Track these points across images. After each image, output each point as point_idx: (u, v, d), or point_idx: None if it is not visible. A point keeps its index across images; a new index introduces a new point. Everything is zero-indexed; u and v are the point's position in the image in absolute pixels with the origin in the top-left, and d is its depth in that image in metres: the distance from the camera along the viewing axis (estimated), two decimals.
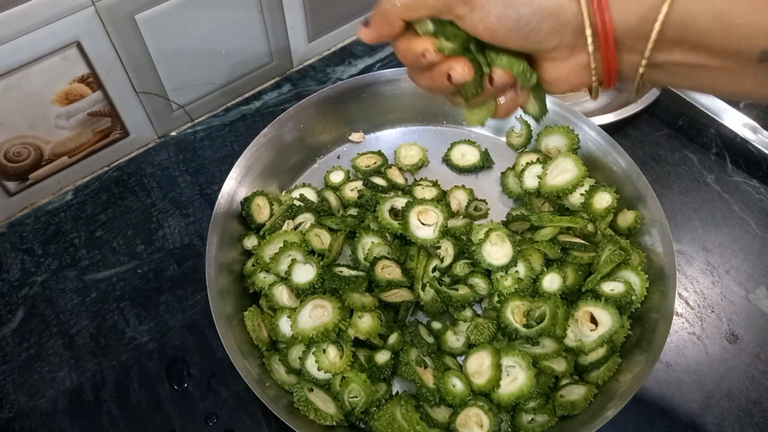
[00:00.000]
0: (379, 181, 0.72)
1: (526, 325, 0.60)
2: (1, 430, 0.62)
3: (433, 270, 0.65)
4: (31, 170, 0.75)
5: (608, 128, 0.77)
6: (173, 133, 0.85)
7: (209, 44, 0.79)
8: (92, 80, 0.72)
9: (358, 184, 0.73)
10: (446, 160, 0.78)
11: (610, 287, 0.61)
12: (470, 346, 0.62)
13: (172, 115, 0.83)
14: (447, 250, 0.66)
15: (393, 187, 0.72)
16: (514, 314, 0.61)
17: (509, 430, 0.58)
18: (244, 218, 0.69)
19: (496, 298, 0.63)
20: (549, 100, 0.73)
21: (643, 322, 0.62)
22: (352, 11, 0.92)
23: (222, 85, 0.85)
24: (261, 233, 0.68)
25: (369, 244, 0.64)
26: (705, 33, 0.35)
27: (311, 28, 0.88)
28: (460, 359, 0.62)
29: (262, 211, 0.69)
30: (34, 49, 0.65)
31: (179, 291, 0.71)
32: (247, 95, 0.89)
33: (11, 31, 0.62)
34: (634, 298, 0.61)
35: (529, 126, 0.76)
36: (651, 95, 0.82)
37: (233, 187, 0.68)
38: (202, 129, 0.85)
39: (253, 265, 0.66)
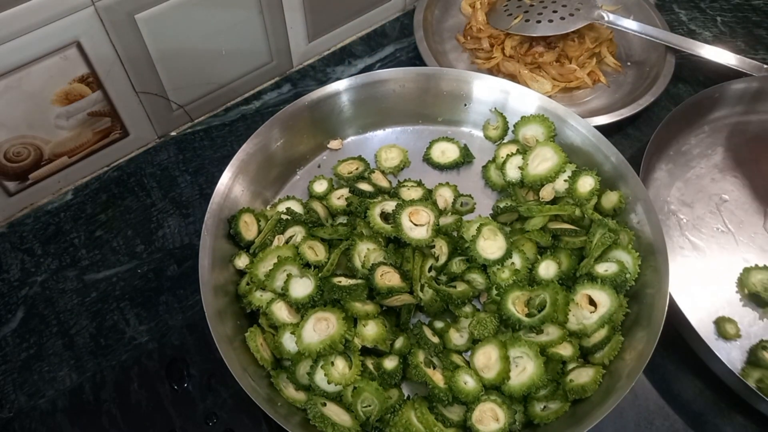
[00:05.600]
0: (365, 186, 0.72)
1: (529, 315, 0.60)
2: (1, 430, 0.62)
3: (430, 270, 0.65)
4: (31, 170, 0.75)
5: (608, 128, 0.78)
6: (173, 133, 0.85)
7: (209, 44, 0.79)
8: (92, 80, 0.72)
9: (344, 191, 0.72)
10: (427, 159, 0.78)
11: (604, 268, 0.62)
12: (474, 342, 0.62)
13: (172, 115, 0.83)
14: (441, 248, 0.66)
15: (379, 191, 0.72)
16: (515, 305, 0.61)
17: (524, 420, 0.59)
18: (232, 237, 0.68)
19: (495, 291, 0.63)
20: (536, 96, 0.74)
21: (639, 298, 0.62)
22: (352, 11, 0.92)
23: (222, 85, 0.85)
24: (251, 251, 0.67)
25: (365, 250, 0.64)
26: None
27: (311, 28, 0.88)
28: (466, 355, 0.62)
29: (249, 228, 0.68)
30: (34, 49, 0.65)
31: (179, 291, 0.71)
32: (246, 95, 0.89)
33: (11, 31, 0.62)
34: (628, 276, 0.61)
35: (504, 118, 0.77)
36: (651, 95, 0.82)
37: (219, 203, 0.67)
38: (202, 129, 0.85)
39: (247, 284, 0.64)
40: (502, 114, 0.77)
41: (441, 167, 0.77)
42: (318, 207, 0.71)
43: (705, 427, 0.63)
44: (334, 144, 0.78)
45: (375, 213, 0.66)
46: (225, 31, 0.79)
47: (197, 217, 0.76)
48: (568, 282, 0.64)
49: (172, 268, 0.73)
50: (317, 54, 0.93)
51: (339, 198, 0.72)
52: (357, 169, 0.75)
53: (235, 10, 0.77)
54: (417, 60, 0.89)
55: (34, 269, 0.73)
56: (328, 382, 0.57)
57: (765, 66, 0.83)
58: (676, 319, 0.63)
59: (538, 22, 0.86)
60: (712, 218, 0.76)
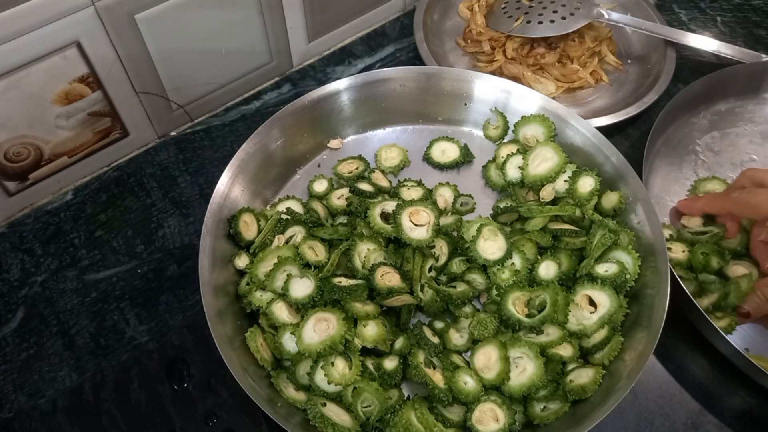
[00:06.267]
0: (365, 186, 0.71)
1: (529, 315, 0.60)
2: (1, 430, 0.62)
3: (430, 270, 0.65)
4: (31, 170, 0.75)
5: (609, 129, 0.78)
6: (173, 133, 0.85)
7: (209, 44, 0.79)
8: (92, 80, 0.72)
9: (344, 191, 0.72)
10: (427, 158, 0.78)
11: (604, 269, 0.62)
12: (474, 342, 0.62)
13: (172, 115, 0.83)
14: (441, 248, 0.66)
15: (379, 191, 0.72)
16: (515, 305, 0.61)
17: (524, 421, 0.59)
18: (232, 237, 0.67)
19: (495, 292, 0.63)
20: (537, 96, 0.74)
21: (639, 299, 0.62)
22: (352, 11, 0.92)
23: (222, 85, 0.85)
24: (251, 251, 0.67)
25: (365, 251, 0.64)
26: None
27: (311, 28, 0.88)
28: (466, 356, 0.62)
29: (249, 228, 0.67)
30: (34, 49, 0.65)
31: (179, 291, 0.71)
32: (246, 95, 0.89)
33: (11, 31, 0.62)
34: (628, 276, 0.61)
35: (505, 117, 0.77)
36: (654, 93, 0.82)
37: (219, 203, 0.67)
38: (201, 129, 0.85)
39: (247, 284, 0.64)
40: (502, 114, 0.77)
41: (441, 167, 0.77)
42: (318, 207, 0.71)
43: (706, 426, 0.62)
44: (334, 143, 0.78)
45: (375, 213, 0.66)
46: (225, 31, 0.79)
47: (197, 217, 0.76)
48: (568, 282, 0.64)
49: (172, 268, 0.73)
50: (317, 54, 0.93)
51: (339, 198, 0.72)
52: (357, 168, 0.75)
53: (235, 10, 0.77)
54: (417, 60, 0.89)
55: (34, 269, 0.73)
56: (328, 383, 0.57)
57: (764, 56, 0.84)
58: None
59: (539, 23, 0.86)
60: (730, 169, 0.79)
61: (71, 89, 0.71)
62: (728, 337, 0.60)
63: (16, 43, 0.63)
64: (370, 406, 0.57)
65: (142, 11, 0.70)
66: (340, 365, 0.58)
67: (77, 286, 0.71)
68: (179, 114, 0.84)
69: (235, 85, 0.86)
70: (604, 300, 0.60)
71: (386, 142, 0.79)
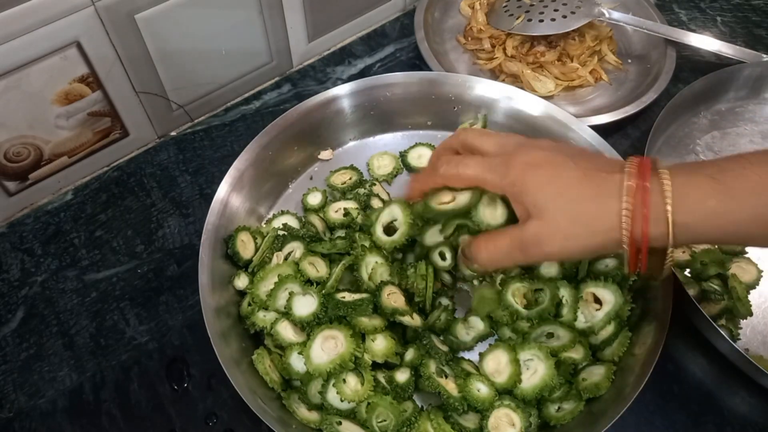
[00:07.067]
0: (375, 203, 0.71)
1: (527, 307, 0.61)
2: (1, 430, 0.62)
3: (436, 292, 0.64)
4: (31, 170, 0.75)
5: (608, 128, 0.78)
6: (173, 133, 0.85)
7: (209, 44, 0.79)
8: (92, 80, 0.72)
9: (341, 204, 0.71)
10: (405, 164, 0.77)
11: (603, 263, 0.62)
12: (480, 340, 0.62)
13: (172, 115, 0.83)
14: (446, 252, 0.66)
15: (384, 203, 0.71)
16: (515, 297, 0.61)
17: (540, 423, 0.58)
18: (230, 257, 0.66)
19: (499, 279, 0.63)
20: (538, 101, 0.74)
21: (644, 293, 0.62)
22: (352, 11, 0.92)
23: (222, 85, 0.85)
24: (250, 270, 0.66)
25: (373, 263, 0.63)
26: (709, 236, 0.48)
27: (311, 28, 0.88)
28: (475, 360, 0.62)
29: (247, 246, 0.66)
30: (34, 49, 0.65)
31: (179, 291, 0.71)
32: (247, 95, 0.89)
33: (11, 31, 0.62)
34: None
35: (486, 122, 0.77)
36: (654, 92, 0.82)
37: (214, 224, 0.66)
38: (201, 129, 0.85)
39: (249, 305, 0.63)
40: (485, 117, 0.77)
41: (418, 171, 0.76)
42: (315, 220, 0.70)
43: (706, 426, 0.62)
44: (324, 154, 0.78)
45: (379, 223, 0.64)
46: (225, 31, 0.79)
47: (197, 217, 0.76)
48: (572, 281, 0.64)
49: (172, 268, 0.73)
50: (317, 54, 0.93)
51: (336, 211, 0.71)
52: (350, 178, 0.74)
53: (235, 10, 0.78)
54: (417, 60, 0.89)
55: (34, 269, 0.73)
56: (341, 400, 0.56)
57: (764, 56, 0.84)
58: None
59: (540, 21, 0.86)
60: None
61: (71, 89, 0.71)
62: (728, 337, 0.60)
63: (16, 43, 0.63)
64: (385, 420, 0.56)
65: (142, 11, 0.70)
66: (351, 381, 0.57)
67: (77, 286, 0.71)
68: (179, 114, 0.84)
69: (235, 85, 0.86)
70: (609, 296, 0.60)
71: (377, 150, 0.78)
